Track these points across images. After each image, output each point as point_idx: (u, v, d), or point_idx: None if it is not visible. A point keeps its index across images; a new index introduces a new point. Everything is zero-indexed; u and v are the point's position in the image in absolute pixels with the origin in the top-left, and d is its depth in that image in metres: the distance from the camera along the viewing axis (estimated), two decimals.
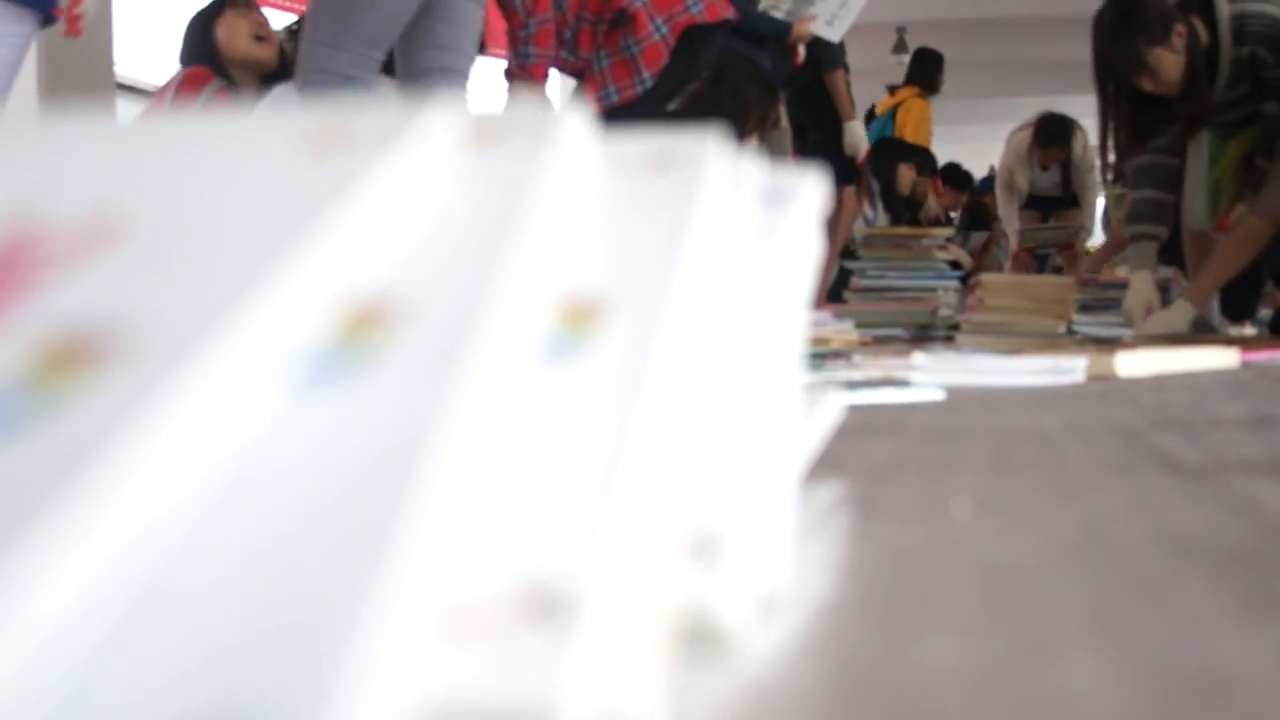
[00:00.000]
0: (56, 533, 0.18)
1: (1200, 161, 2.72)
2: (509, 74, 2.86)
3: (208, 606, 0.20)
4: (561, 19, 2.89)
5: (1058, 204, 5.14)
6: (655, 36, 2.91)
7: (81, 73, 4.00)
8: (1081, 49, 2.73)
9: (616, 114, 2.86)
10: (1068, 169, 5.08)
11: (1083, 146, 5.20)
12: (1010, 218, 5.29)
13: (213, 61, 2.90)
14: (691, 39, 2.96)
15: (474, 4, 2.29)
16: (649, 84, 2.93)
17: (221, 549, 0.21)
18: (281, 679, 0.18)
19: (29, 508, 0.19)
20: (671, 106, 3.10)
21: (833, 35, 3.92)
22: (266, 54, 2.94)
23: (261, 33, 2.95)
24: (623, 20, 2.89)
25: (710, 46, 3.02)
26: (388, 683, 0.19)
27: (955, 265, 3.41)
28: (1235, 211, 2.69)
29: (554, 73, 3.00)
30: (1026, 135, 5.22)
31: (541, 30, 2.83)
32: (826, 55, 4.07)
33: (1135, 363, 1.59)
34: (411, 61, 2.27)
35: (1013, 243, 5.09)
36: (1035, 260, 4.87)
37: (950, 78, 5.71)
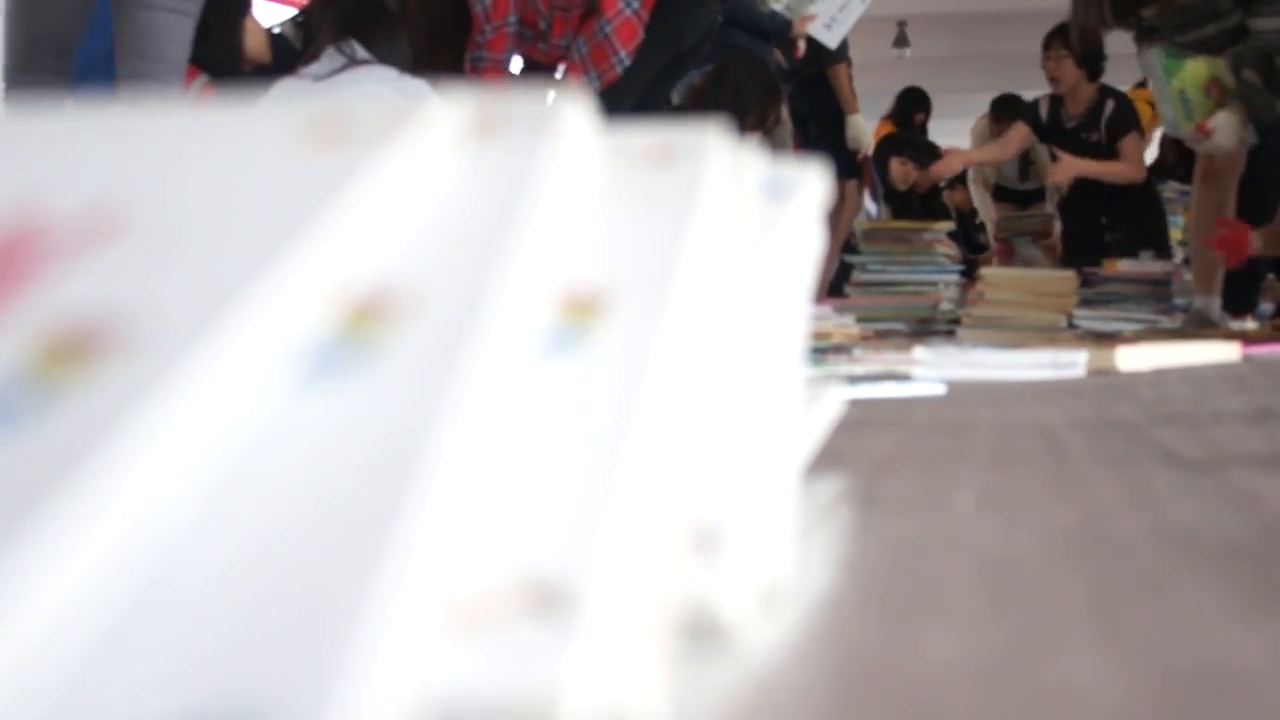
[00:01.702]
0: (57, 526, 0.18)
1: (1156, 77, 2.72)
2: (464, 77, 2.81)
3: (209, 600, 0.20)
4: (535, 11, 2.85)
5: (1031, 197, 5.13)
6: (626, 13, 2.83)
7: None
8: None
9: (605, 97, 2.78)
10: (1026, 156, 5.02)
11: None
12: (985, 208, 5.29)
13: (204, 59, 2.92)
14: (671, 10, 2.87)
15: None
16: (627, 63, 2.84)
17: (222, 542, 0.21)
18: (283, 673, 0.18)
19: (30, 501, 0.19)
20: (676, 102, 3.08)
21: (830, 40, 3.90)
22: (263, 52, 2.98)
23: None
24: (594, 5, 2.82)
25: (695, 17, 2.92)
26: (390, 677, 0.19)
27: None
28: (1214, 118, 2.68)
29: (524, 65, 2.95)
30: (986, 121, 5.23)
31: (496, 36, 2.79)
32: (829, 49, 4.07)
33: (1136, 357, 1.59)
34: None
35: (990, 233, 5.09)
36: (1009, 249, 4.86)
37: (950, 72, 5.69)
